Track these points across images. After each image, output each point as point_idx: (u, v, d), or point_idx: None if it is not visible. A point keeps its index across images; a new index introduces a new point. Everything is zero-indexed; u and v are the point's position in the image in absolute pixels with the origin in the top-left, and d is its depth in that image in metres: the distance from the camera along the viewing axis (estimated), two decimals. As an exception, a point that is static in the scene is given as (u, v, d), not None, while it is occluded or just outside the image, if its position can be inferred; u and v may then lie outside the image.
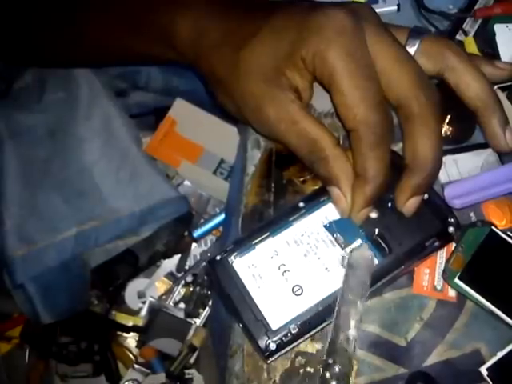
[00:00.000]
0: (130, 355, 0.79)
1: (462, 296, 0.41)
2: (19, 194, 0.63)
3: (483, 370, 0.38)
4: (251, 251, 0.43)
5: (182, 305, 0.79)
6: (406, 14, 0.56)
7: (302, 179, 0.47)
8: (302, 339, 0.40)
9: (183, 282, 0.79)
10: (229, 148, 0.71)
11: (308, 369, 0.41)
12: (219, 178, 0.75)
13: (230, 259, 0.42)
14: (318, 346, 0.41)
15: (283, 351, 0.40)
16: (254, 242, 0.43)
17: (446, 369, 0.40)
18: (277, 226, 0.43)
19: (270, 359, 0.40)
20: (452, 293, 0.42)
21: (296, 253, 0.42)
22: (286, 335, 0.40)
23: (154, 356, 0.76)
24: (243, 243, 0.43)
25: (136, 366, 0.77)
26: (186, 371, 0.74)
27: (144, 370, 0.77)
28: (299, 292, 0.41)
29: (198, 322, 0.77)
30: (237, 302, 0.41)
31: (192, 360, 0.75)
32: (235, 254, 0.43)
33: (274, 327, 0.40)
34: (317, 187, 0.46)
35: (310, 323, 0.40)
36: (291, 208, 0.44)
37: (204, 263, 0.77)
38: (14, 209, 0.63)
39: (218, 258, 0.43)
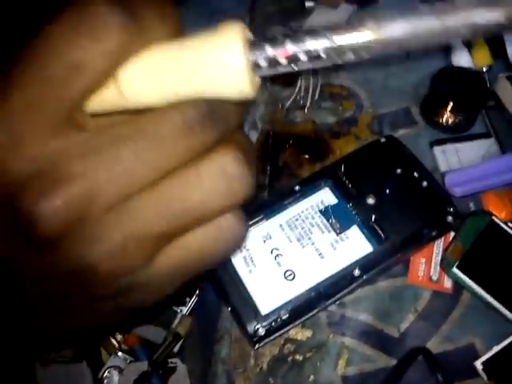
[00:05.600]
0: (113, 341, 0.78)
1: (457, 287, 0.40)
2: None
3: (478, 364, 0.37)
4: (243, 233, 0.41)
5: (168, 292, 0.77)
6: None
7: (298, 162, 0.46)
8: (292, 325, 0.39)
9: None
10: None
11: (297, 356, 0.39)
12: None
13: (220, 241, 0.41)
14: (308, 333, 0.40)
15: (272, 337, 0.39)
16: (246, 225, 0.41)
17: (439, 362, 0.39)
18: (271, 208, 0.42)
19: (258, 345, 0.38)
20: (448, 284, 0.40)
21: (289, 237, 0.41)
22: (275, 321, 0.38)
23: (138, 343, 0.74)
24: (235, 225, 0.42)
25: (119, 353, 0.75)
26: (170, 360, 0.72)
27: (127, 357, 0.75)
28: (291, 277, 0.40)
29: (184, 310, 0.76)
30: (226, 285, 0.40)
31: (176, 349, 0.73)
32: (226, 235, 0.41)
33: (263, 312, 0.38)
34: (313, 171, 0.45)
35: (301, 309, 0.39)
36: (286, 191, 0.43)
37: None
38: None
39: (209, 239, 0.41)
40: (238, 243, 0.22)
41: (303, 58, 0.19)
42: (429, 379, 0.38)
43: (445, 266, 0.39)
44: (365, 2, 0.53)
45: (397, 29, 0.17)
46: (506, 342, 0.37)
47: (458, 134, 0.45)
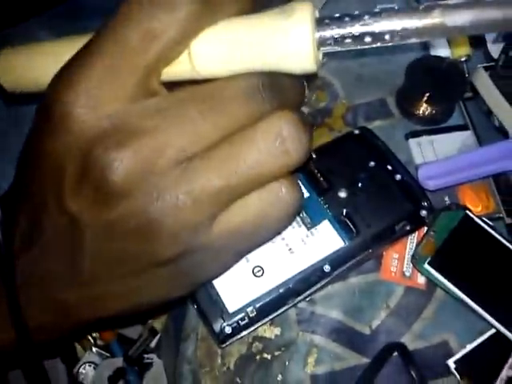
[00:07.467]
0: (89, 337, 0.76)
1: (431, 284, 0.39)
2: None
3: (451, 362, 0.36)
4: (211, 228, 0.40)
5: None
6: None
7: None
8: (260, 323, 0.37)
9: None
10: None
11: (265, 355, 0.38)
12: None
13: (187, 236, 0.40)
14: (276, 331, 0.39)
15: (239, 336, 0.37)
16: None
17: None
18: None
19: (225, 344, 0.37)
20: (421, 280, 0.39)
21: (258, 231, 0.39)
22: (242, 318, 0.37)
23: (114, 338, 0.73)
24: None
25: (94, 349, 0.74)
26: (146, 356, 0.71)
27: (102, 352, 0.74)
28: (260, 273, 0.38)
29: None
30: (192, 282, 0.38)
31: (153, 344, 0.72)
32: (193, 230, 0.40)
33: (230, 309, 0.37)
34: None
35: (270, 307, 0.37)
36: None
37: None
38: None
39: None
40: (292, 211, 0.23)
41: (368, 39, 0.20)
42: (402, 376, 0.37)
43: (416, 262, 0.38)
44: None
45: (460, 17, 0.19)
46: (478, 341, 0.36)
47: (434, 125, 0.44)
